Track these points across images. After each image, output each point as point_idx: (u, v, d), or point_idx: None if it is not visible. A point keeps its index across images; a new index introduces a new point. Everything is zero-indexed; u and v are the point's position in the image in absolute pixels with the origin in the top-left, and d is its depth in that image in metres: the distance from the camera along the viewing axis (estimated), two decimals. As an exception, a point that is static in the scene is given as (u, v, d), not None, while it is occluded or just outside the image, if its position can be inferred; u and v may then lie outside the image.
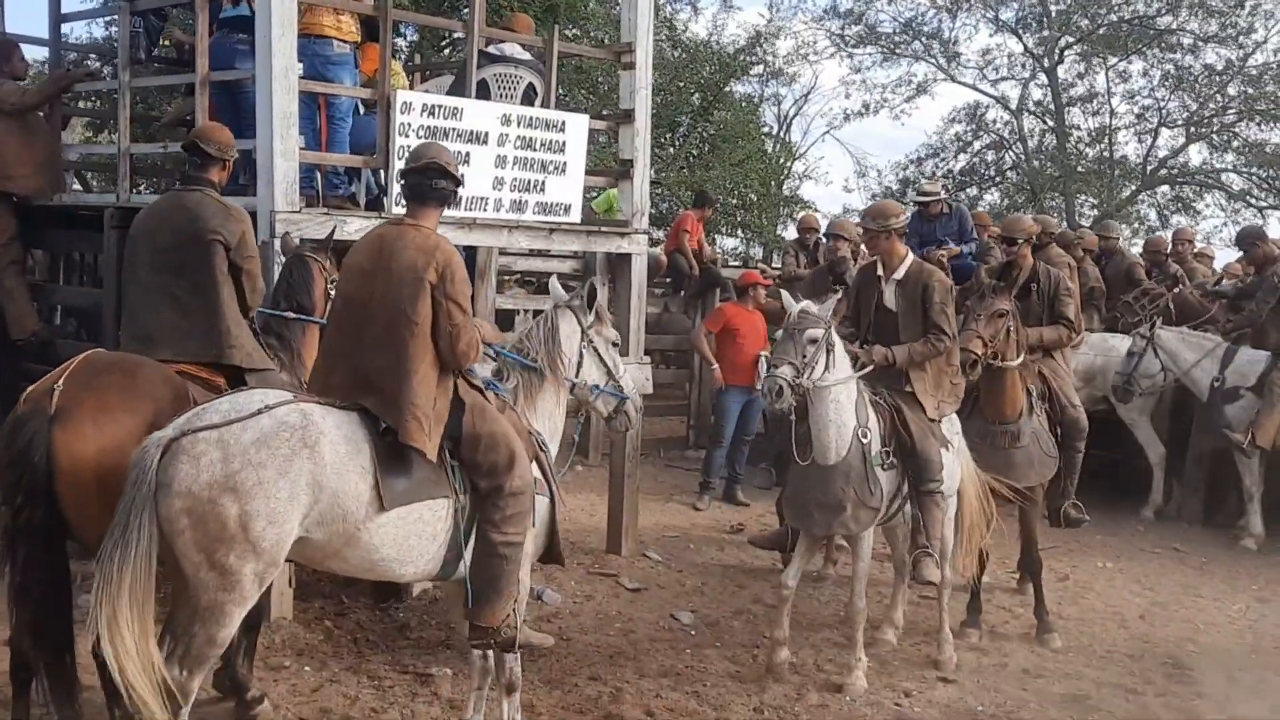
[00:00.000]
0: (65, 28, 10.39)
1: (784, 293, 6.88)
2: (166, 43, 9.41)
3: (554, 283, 6.63)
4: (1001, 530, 8.40)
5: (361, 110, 8.70)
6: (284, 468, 4.62)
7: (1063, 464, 8.15)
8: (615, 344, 6.33)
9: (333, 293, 6.82)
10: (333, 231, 7.02)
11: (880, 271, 7.28)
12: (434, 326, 5.04)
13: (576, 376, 6.10)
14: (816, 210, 24.43)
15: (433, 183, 5.26)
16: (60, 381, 5.06)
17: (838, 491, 6.61)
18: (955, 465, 7.24)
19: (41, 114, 9.10)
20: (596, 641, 7.47)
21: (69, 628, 5.11)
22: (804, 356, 6.37)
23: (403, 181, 5.39)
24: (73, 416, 4.97)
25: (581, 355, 6.11)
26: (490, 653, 5.66)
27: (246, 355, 5.92)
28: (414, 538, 5.03)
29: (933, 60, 30.70)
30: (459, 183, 5.38)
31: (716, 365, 11.45)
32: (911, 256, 7.33)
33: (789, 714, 6.51)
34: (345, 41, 8.24)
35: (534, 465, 5.49)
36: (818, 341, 6.43)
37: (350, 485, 4.80)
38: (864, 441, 6.65)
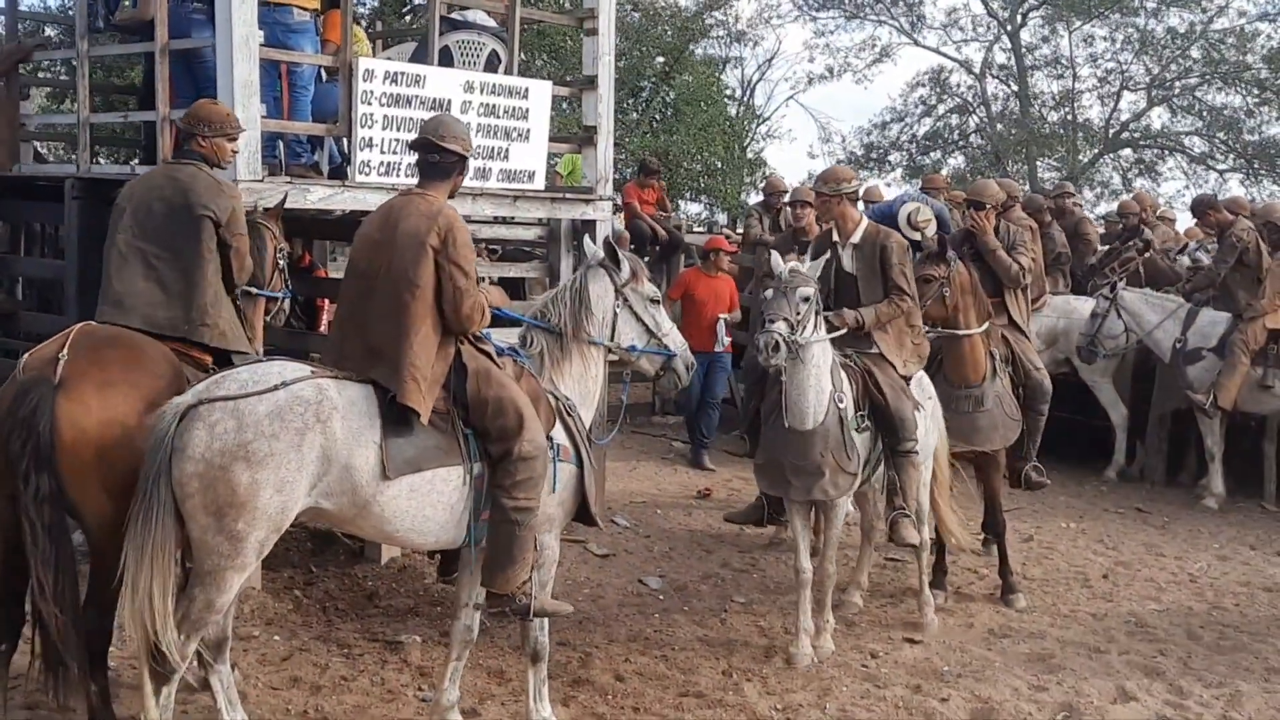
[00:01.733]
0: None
1: (772, 253, 6.74)
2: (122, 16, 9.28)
3: (588, 241, 6.39)
4: (966, 493, 8.51)
5: (324, 78, 8.63)
6: (296, 441, 4.70)
7: (1025, 427, 8.19)
8: (655, 300, 6.03)
9: (281, 262, 6.80)
10: (284, 199, 6.97)
11: (836, 237, 7.29)
12: (438, 291, 5.07)
13: (612, 338, 5.88)
14: (778, 172, 24.44)
15: (427, 157, 5.32)
16: (65, 350, 5.03)
17: (816, 456, 6.58)
18: (931, 426, 7.29)
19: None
20: (565, 607, 7.50)
21: (78, 597, 5.10)
22: (798, 313, 6.32)
23: (414, 157, 5.46)
24: (77, 386, 4.94)
25: (615, 315, 5.87)
26: (475, 624, 5.66)
27: (220, 335, 5.81)
28: (429, 507, 5.06)
29: (896, 24, 30.72)
30: (462, 155, 5.36)
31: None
32: (866, 220, 7.35)
33: (757, 676, 6.57)
34: (305, 9, 8.16)
35: (561, 430, 5.49)
36: (810, 300, 6.39)
37: (360, 459, 4.85)
38: (840, 406, 6.64)
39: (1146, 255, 12.34)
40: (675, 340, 6.05)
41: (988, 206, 8.31)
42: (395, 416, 4.96)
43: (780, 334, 6.24)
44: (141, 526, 4.65)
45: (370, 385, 5.02)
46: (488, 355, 5.33)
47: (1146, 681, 6.74)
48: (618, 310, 5.87)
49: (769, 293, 6.52)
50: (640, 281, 5.95)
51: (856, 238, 7.21)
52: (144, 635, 4.68)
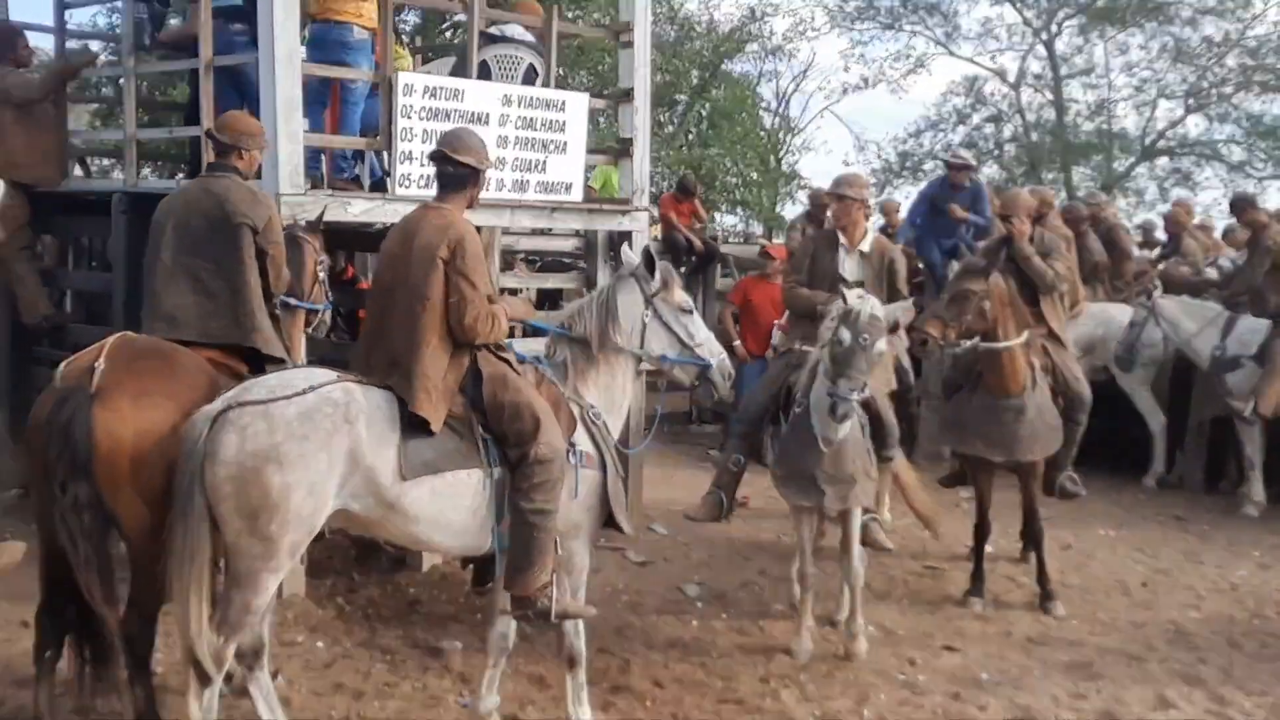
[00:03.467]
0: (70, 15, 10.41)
1: (848, 291, 6.50)
2: (168, 34, 9.43)
3: (625, 250, 6.34)
4: (1004, 501, 8.51)
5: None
6: (325, 441, 4.79)
7: (1062, 436, 8.22)
8: (687, 310, 5.97)
9: (322, 274, 6.91)
10: (323, 212, 7.07)
11: (842, 240, 7.30)
12: (446, 301, 5.17)
13: (641, 347, 5.88)
14: (814, 182, 24.47)
15: (443, 169, 5.41)
16: (101, 360, 5.09)
17: (849, 465, 6.60)
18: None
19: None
20: (604, 614, 7.48)
21: (117, 603, 5.18)
22: (869, 370, 6.25)
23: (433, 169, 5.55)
24: (113, 396, 5.00)
25: (644, 325, 5.86)
26: (511, 631, 5.74)
27: (266, 340, 5.95)
28: (450, 510, 5.14)
29: (931, 34, 30.69)
30: (475, 167, 5.44)
31: (739, 341, 11.64)
32: (875, 230, 7.39)
33: (795, 683, 6.59)
34: (365, 28, 8.28)
35: (585, 437, 5.54)
36: (883, 354, 6.34)
37: (383, 460, 4.94)
38: (860, 415, 6.70)
39: (1161, 267, 12.32)
40: (711, 350, 6.01)
41: (1021, 216, 8.31)
42: (414, 421, 5.07)
43: (857, 403, 6.23)
44: (180, 533, 4.74)
45: (392, 391, 5.13)
46: (507, 362, 5.40)
47: (1187, 690, 6.69)
48: (646, 320, 5.87)
49: (846, 337, 6.24)
50: (672, 291, 5.93)
51: (866, 246, 7.29)
52: (186, 640, 4.78)
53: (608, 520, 5.72)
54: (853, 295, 6.44)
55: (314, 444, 4.78)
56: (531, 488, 5.18)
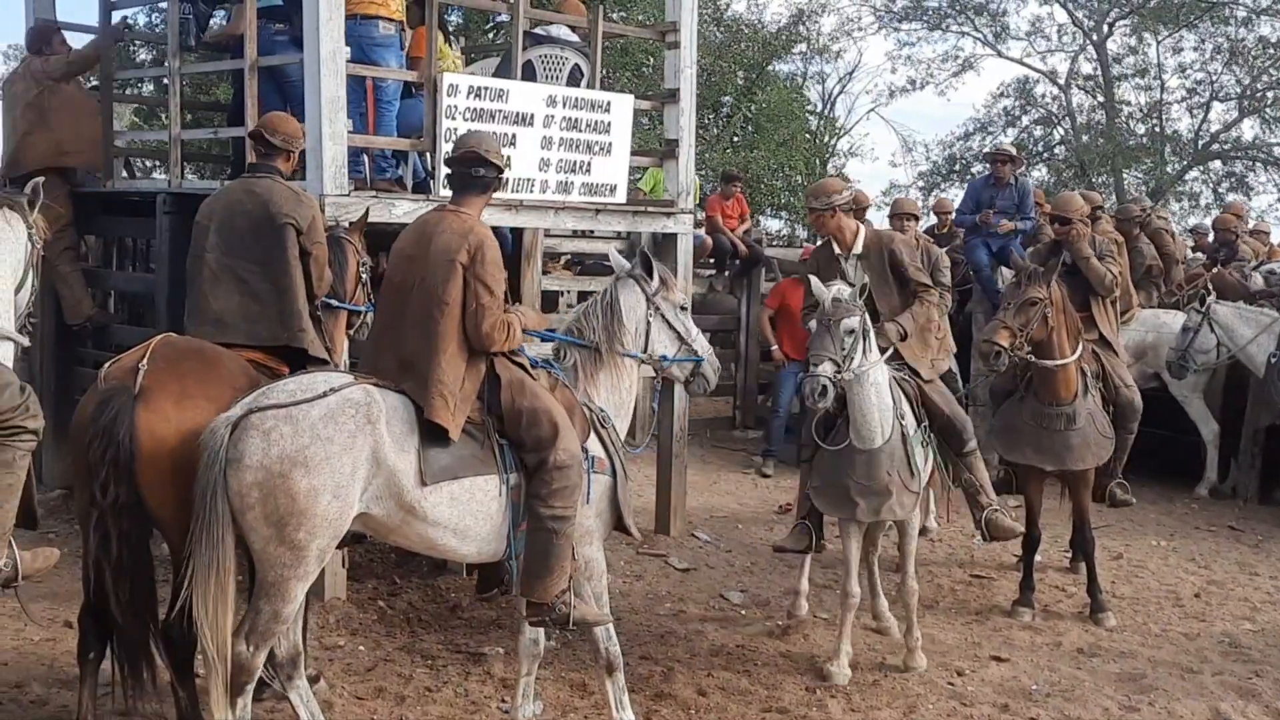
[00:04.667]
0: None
1: (811, 278, 6.62)
2: (212, 35, 9.46)
3: (613, 253, 6.33)
4: (1054, 509, 8.38)
5: (413, 92, 8.71)
6: (349, 443, 4.74)
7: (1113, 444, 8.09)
8: (684, 308, 6.08)
9: (364, 275, 6.87)
10: (366, 213, 7.04)
11: (837, 250, 7.18)
12: (464, 307, 5.11)
13: (645, 349, 5.92)
14: (859, 184, 24.28)
15: (472, 171, 5.34)
16: (144, 361, 5.09)
17: (883, 476, 6.46)
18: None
19: (85, 89, 9.21)
20: (647, 621, 7.49)
21: (155, 606, 5.18)
22: (843, 349, 6.17)
23: (447, 171, 5.46)
24: (156, 397, 5.00)
25: (648, 325, 5.91)
26: (541, 638, 5.69)
27: (312, 341, 5.93)
28: (469, 517, 5.09)
29: (980, 36, 30.44)
30: (501, 169, 5.42)
31: (776, 345, 11.56)
32: (863, 229, 7.23)
33: (840, 692, 6.49)
34: (391, 20, 8.22)
35: (596, 442, 5.51)
36: (854, 332, 6.24)
37: (403, 463, 4.89)
38: (902, 422, 6.55)
39: (1214, 272, 12.13)
40: (702, 344, 6.13)
41: (1073, 220, 8.18)
42: (431, 426, 5.01)
43: (826, 377, 6.11)
44: (205, 544, 4.67)
45: (406, 394, 5.06)
46: (521, 367, 5.35)
47: (1241, 703, 6.56)
48: (650, 320, 5.91)
49: (813, 325, 6.34)
50: (671, 290, 6.01)
51: (858, 248, 7.11)
52: (214, 650, 4.73)
53: (615, 523, 5.70)
54: (821, 288, 6.40)
55: (338, 446, 4.72)
56: (550, 494, 5.13)
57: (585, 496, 5.36)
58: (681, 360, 6.05)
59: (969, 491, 6.97)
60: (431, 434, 5.01)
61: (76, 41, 9.59)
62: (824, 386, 6.09)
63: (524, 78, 8.28)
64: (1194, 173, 29.60)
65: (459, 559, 5.45)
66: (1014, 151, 12.71)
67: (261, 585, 4.82)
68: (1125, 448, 8.17)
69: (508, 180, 7.63)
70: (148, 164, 12.08)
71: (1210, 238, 14.41)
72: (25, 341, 5.34)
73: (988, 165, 12.92)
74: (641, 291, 5.91)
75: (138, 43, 13.62)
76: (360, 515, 4.91)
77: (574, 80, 8.76)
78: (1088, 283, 8.07)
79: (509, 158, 7.35)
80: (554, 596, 5.20)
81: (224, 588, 4.68)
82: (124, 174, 9.77)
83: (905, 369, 6.90)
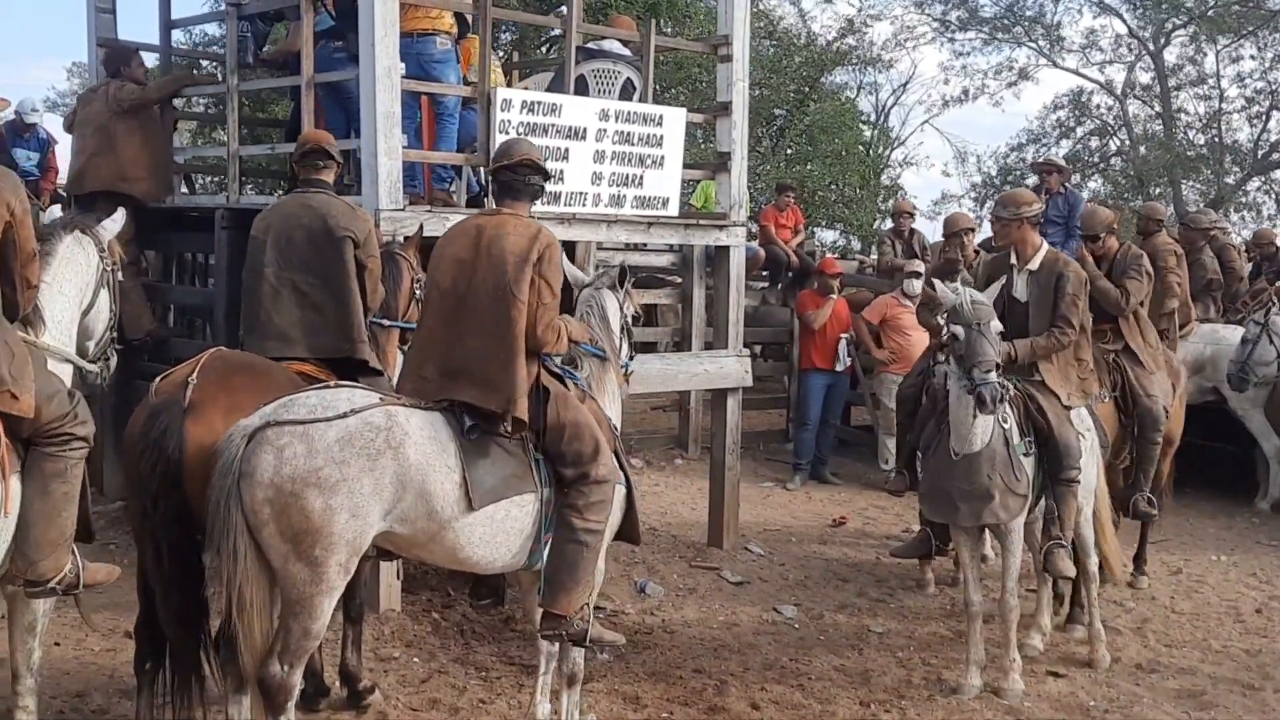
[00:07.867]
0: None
1: (937, 282, 6.57)
2: (270, 52, 9.57)
3: (569, 266, 6.03)
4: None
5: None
6: (369, 465, 4.67)
7: (1136, 456, 8.04)
8: (638, 317, 6.28)
9: (418, 291, 6.87)
10: (420, 229, 7.07)
11: (1014, 261, 7.09)
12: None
13: (621, 355, 5.99)
14: (913, 196, 24.23)
15: (526, 178, 5.34)
16: (194, 375, 5.13)
17: (984, 479, 6.38)
18: (1090, 460, 7.05)
19: (157, 116, 9.33)
20: (700, 634, 7.48)
21: (205, 618, 5.22)
22: (997, 350, 6.20)
23: (494, 178, 5.45)
24: (205, 410, 5.03)
25: (624, 334, 6.04)
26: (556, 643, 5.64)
27: (369, 353, 5.98)
28: (502, 534, 5.06)
29: (1035, 46, 30.21)
30: (549, 177, 5.47)
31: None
32: (1046, 246, 7.09)
33: (895, 707, 6.45)
34: (446, 35, 8.29)
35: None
36: (1001, 332, 6.31)
37: (437, 485, 4.83)
38: (1005, 427, 6.44)
39: (1278, 285, 11.94)
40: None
41: (1100, 236, 8.12)
42: (474, 446, 4.96)
43: (1003, 385, 6.11)
44: (223, 556, 4.65)
45: (441, 412, 5.01)
46: (557, 378, 5.36)
47: (1305, 721, 6.47)
48: (626, 326, 6.08)
49: (960, 331, 6.23)
50: (632, 299, 6.16)
51: (1035, 264, 6.97)
52: (249, 669, 4.74)
53: (627, 531, 5.73)
54: (947, 292, 6.35)
55: (355, 469, 4.64)
56: (587, 506, 5.13)
57: None
58: (629, 367, 6.17)
59: (1045, 517, 6.85)
60: (476, 454, 4.96)
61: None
62: (1002, 394, 6.12)
63: (577, 92, 8.32)
64: (1254, 182, 29.17)
65: (480, 571, 5.43)
66: (1061, 162, 12.67)
67: (287, 603, 4.76)
68: (1148, 459, 8.11)
69: (560, 194, 7.72)
70: (207, 180, 12.25)
71: (1248, 251, 14.25)
72: (90, 367, 5.42)
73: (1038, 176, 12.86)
74: (617, 301, 6.01)
75: (203, 62, 13.76)
76: (383, 534, 4.85)
77: (626, 94, 8.78)
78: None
79: (561, 170, 7.47)
80: (575, 610, 5.17)
81: (248, 600, 4.65)
82: (184, 189, 9.90)
83: (1022, 382, 6.78)
